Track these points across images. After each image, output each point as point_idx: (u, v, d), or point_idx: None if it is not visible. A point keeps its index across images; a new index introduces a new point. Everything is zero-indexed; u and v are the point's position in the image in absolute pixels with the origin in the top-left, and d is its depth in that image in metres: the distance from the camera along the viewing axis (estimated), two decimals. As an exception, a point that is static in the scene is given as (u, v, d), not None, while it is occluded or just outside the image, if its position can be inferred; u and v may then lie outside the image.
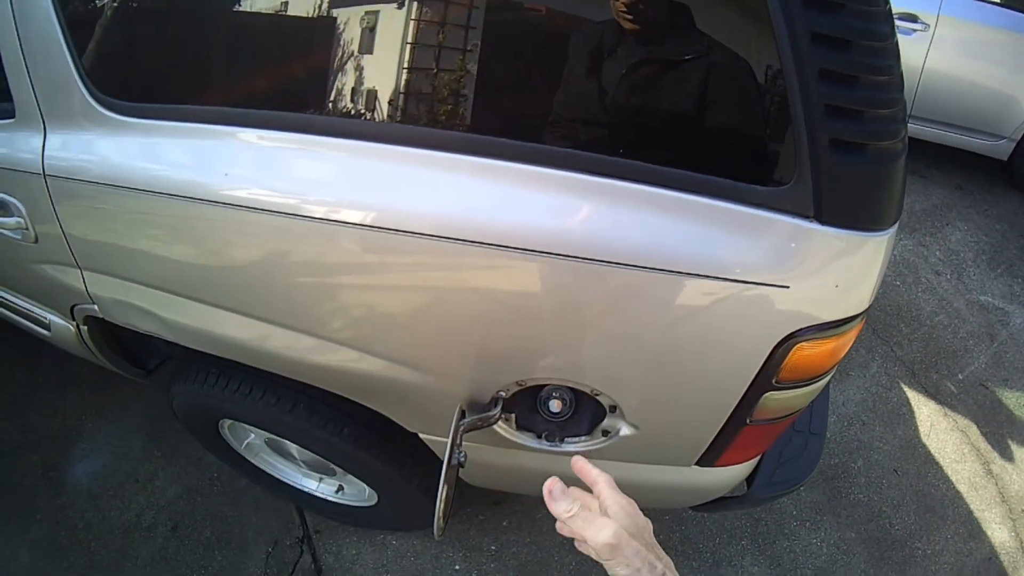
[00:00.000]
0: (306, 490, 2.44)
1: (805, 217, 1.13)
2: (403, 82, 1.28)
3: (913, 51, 4.23)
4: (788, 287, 1.16)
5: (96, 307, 1.86)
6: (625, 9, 1.12)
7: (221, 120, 1.40)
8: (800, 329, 1.21)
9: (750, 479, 1.79)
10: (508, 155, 1.21)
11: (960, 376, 3.37)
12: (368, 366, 1.50)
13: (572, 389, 1.44)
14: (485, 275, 1.27)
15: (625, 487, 1.66)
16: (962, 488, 2.87)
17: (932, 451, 3.00)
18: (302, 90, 1.42)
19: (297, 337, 1.53)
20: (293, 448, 2.23)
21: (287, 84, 1.43)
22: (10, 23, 1.53)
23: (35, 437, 2.90)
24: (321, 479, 2.42)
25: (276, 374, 1.72)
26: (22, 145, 1.63)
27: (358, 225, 1.28)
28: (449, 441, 1.36)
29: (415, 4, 1.24)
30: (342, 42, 1.31)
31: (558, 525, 1.01)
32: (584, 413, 1.50)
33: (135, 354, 2.31)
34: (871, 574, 2.54)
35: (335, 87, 1.34)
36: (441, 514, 1.39)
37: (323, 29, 1.35)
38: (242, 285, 1.52)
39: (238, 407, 1.92)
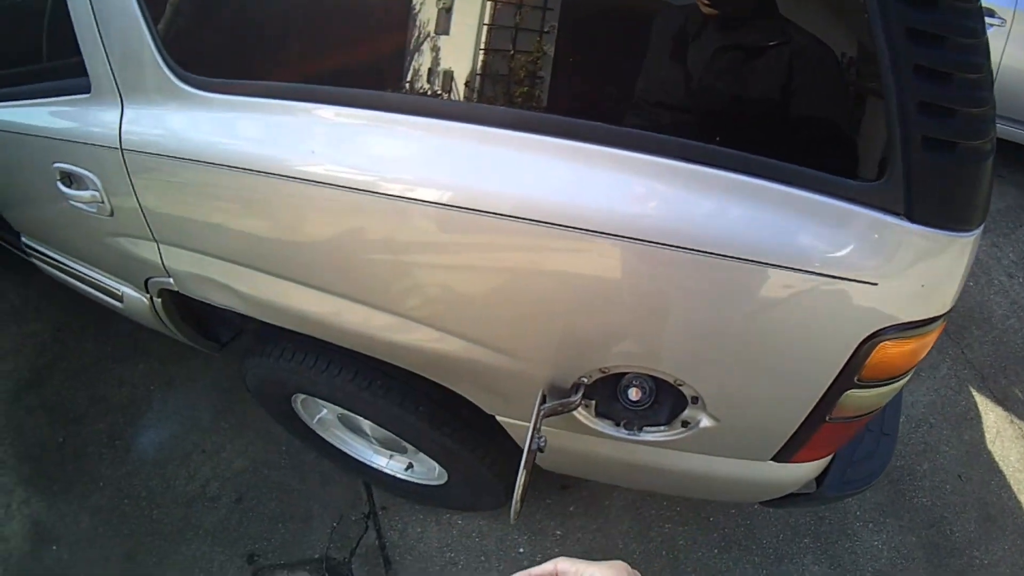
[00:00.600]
0: (375, 466, 2.44)
1: (895, 214, 1.10)
2: (481, 62, 1.27)
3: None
4: (876, 284, 1.14)
5: (171, 280, 1.87)
6: None
7: (300, 96, 1.40)
8: (885, 328, 1.19)
9: (820, 477, 1.76)
10: (592, 137, 1.19)
11: (1028, 383, 3.28)
12: (447, 346, 1.49)
13: (653, 378, 1.42)
14: (564, 258, 1.26)
15: (700, 479, 1.64)
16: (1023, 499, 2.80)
17: (996, 458, 2.93)
18: (380, 68, 1.41)
19: (372, 313, 1.53)
20: (366, 424, 2.23)
21: (365, 62, 1.43)
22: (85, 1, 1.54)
23: (103, 406, 2.94)
24: (391, 456, 2.43)
25: (353, 351, 1.71)
26: (98, 120, 1.64)
27: (435, 204, 1.28)
28: (531, 426, 1.35)
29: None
30: (420, 21, 1.31)
31: None
32: (664, 403, 1.48)
33: (208, 327, 2.34)
34: None
35: (414, 66, 1.33)
36: (519, 498, 1.38)
37: (401, 8, 1.34)
38: (319, 261, 1.52)
39: (314, 382, 1.92)
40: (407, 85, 1.34)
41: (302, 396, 2.19)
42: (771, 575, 2.46)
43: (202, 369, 3.06)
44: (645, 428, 1.51)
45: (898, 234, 1.11)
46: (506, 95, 1.28)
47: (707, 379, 1.37)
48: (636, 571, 0.84)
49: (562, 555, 0.83)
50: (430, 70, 1.31)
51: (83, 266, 2.27)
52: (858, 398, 1.33)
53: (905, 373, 1.34)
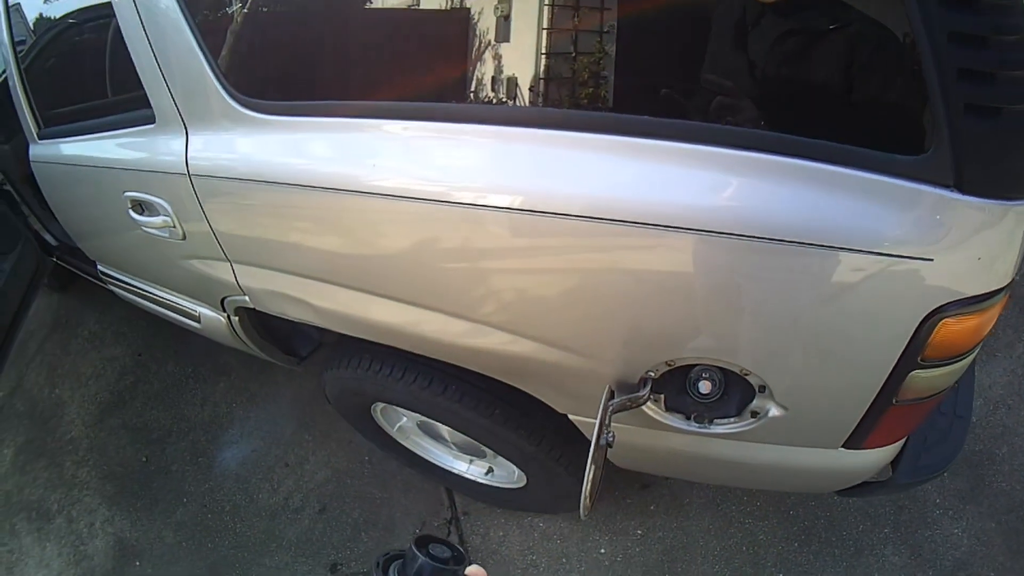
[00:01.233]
0: (456, 472, 2.46)
1: (945, 186, 1.08)
2: (542, 67, 1.28)
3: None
4: (932, 260, 1.12)
5: (247, 298, 1.92)
6: None
7: (364, 114, 1.42)
8: (944, 304, 1.17)
9: (894, 464, 1.72)
10: (652, 133, 1.19)
11: (1107, 360, 3.15)
12: (520, 348, 1.50)
13: (721, 370, 1.41)
14: (634, 255, 1.26)
15: (773, 469, 1.62)
16: (1102, 482, 2.71)
17: (1078, 438, 2.83)
18: (442, 80, 1.43)
19: (449, 321, 1.54)
20: (444, 430, 2.25)
21: (427, 75, 1.45)
22: (141, 35, 1.60)
23: (185, 425, 3.03)
24: (471, 461, 2.44)
25: (427, 357, 1.73)
26: (164, 148, 1.69)
27: (506, 209, 1.28)
28: (598, 421, 1.35)
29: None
30: (479, 31, 1.31)
31: None
32: (733, 394, 1.46)
33: (287, 343, 2.38)
34: (1008, 567, 2.41)
35: (475, 76, 1.35)
36: (588, 493, 1.38)
37: (458, 20, 1.36)
38: (394, 272, 1.53)
39: (391, 390, 1.95)
40: (471, 94, 1.36)
41: (381, 405, 2.21)
42: (851, 567, 2.42)
43: (283, 384, 3.12)
44: (715, 420, 1.50)
45: (949, 206, 1.09)
46: (570, 97, 1.29)
47: (773, 367, 1.35)
48: None
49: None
50: (493, 78, 1.32)
51: (159, 290, 2.33)
52: (924, 379, 1.30)
53: (971, 351, 1.31)
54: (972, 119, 1.01)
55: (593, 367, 1.46)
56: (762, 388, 1.39)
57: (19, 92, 2.20)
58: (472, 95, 1.35)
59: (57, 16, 2.08)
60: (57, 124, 2.14)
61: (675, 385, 1.47)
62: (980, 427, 2.76)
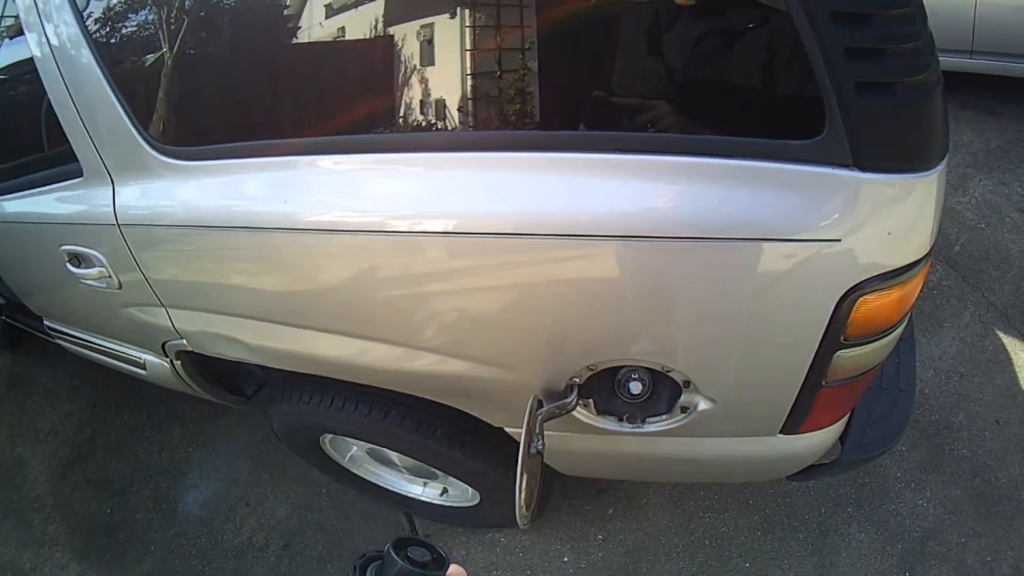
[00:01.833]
0: (412, 495, 2.48)
1: (844, 166, 1.10)
2: (467, 88, 1.29)
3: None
4: (839, 240, 1.14)
5: (185, 341, 1.93)
6: None
7: (291, 151, 1.44)
8: (861, 282, 1.19)
9: (842, 443, 1.74)
10: (568, 146, 1.23)
11: (1056, 316, 3.23)
12: (451, 368, 1.52)
13: (648, 369, 1.44)
14: (560, 266, 1.28)
15: (715, 462, 1.65)
16: (1067, 431, 2.76)
17: (1033, 398, 2.89)
18: (369, 110, 1.44)
19: (390, 349, 1.56)
20: (394, 456, 2.28)
21: (353, 107, 1.47)
22: (63, 89, 1.62)
23: (145, 473, 3.03)
24: (425, 483, 2.47)
25: (366, 385, 1.75)
26: (93, 200, 1.72)
27: (441, 233, 1.32)
28: (524, 430, 1.37)
29: (467, 11, 1.26)
30: (402, 59, 1.33)
31: None
32: (662, 392, 1.50)
33: (232, 383, 2.40)
34: (978, 531, 2.46)
35: (402, 103, 1.36)
36: (523, 503, 1.39)
37: (381, 49, 1.37)
38: (333, 306, 1.56)
39: (334, 421, 1.98)
40: (399, 123, 1.37)
41: (329, 436, 2.24)
42: (818, 549, 2.45)
43: (236, 424, 3.13)
44: (647, 419, 1.53)
45: (850, 186, 1.10)
46: (497, 116, 1.30)
47: (692, 362, 1.38)
48: None
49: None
50: (420, 103, 1.34)
51: (104, 339, 2.33)
52: (851, 357, 1.32)
53: (897, 324, 1.33)
54: (866, 96, 1.03)
55: (519, 378, 1.49)
56: (687, 383, 1.42)
57: (-48, 151, 2.20)
58: (401, 122, 1.37)
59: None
60: (-9, 182, 2.15)
61: (604, 389, 1.50)
62: (934, 398, 2.83)
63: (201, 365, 2.16)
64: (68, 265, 1.90)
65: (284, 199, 1.43)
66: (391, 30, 1.34)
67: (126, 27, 1.61)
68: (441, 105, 1.32)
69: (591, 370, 1.43)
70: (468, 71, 1.28)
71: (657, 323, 1.33)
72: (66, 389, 3.40)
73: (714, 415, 1.47)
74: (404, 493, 2.49)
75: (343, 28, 1.38)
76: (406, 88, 1.34)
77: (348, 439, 2.23)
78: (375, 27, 1.35)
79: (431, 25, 1.29)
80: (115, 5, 1.60)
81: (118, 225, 1.66)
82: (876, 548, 2.44)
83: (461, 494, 2.38)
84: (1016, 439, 2.70)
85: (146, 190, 1.62)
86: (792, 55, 1.07)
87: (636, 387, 1.46)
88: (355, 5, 1.36)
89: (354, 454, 2.42)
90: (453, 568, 0.83)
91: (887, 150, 1.10)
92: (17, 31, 1.85)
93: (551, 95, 1.27)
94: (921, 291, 1.32)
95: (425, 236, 1.33)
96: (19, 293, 2.52)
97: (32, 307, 2.55)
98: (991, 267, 3.39)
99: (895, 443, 1.79)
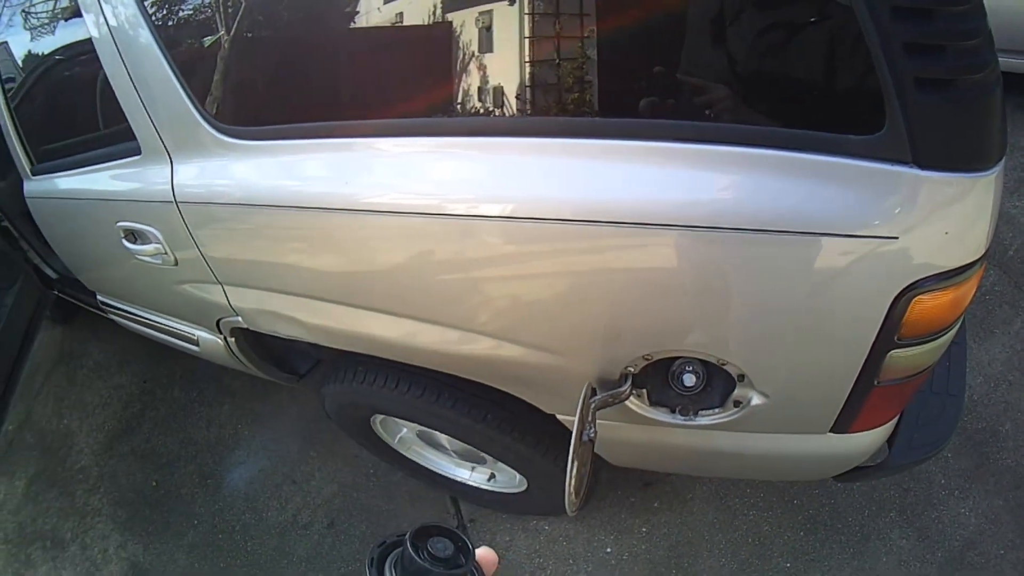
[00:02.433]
0: (459, 479, 2.49)
1: (903, 163, 1.07)
2: (526, 75, 1.29)
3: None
4: (896, 237, 1.12)
5: (240, 318, 1.95)
6: None
7: (350, 133, 1.44)
8: (916, 281, 1.17)
9: (890, 445, 1.72)
10: (628, 134, 1.21)
11: (1108, 330, 3.14)
12: (506, 352, 1.52)
13: (702, 362, 1.43)
14: (618, 254, 1.27)
15: (764, 458, 1.63)
16: (1110, 451, 2.70)
17: (1081, 409, 2.82)
18: (428, 95, 1.44)
19: (444, 331, 1.56)
20: (443, 439, 2.28)
21: (412, 91, 1.47)
22: (122, 70, 1.64)
23: (193, 448, 3.06)
24: (473, 468, 2.47)
25: (420, 366, 1.76)
26: (151, 178, 1.73)
27: (498, 218, 1.31)
28: (577, 418, 1.37)
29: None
30: (461, 45, 1.32)
31: None
32: (716, 385, 1.48)
33: (285, 360, 2.41)
34: (1017, 543, 2.41)
35: (460, 88, 1.36)
36: (573, 490, 1.40)
37: (441, 34, 1.36)
38: (387, 286, 1.56)
39: (386, 401, 1.99)
40: (458, 108, 1.37)
41: (380, 417, 2.25)
42: (858, 552, 2.43)
43: (287, 402, 3.15)
44: (700, 412, 1.52)
45: (909, 183, 1.08)
46: (555, 104, 1.29)
47: (747, 356, 1.37)
48: None
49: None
50: (478, 89, 1.33)
51: (158, 316, 2.36)
52: (904, 358, 1.30)
53: (950, 326, 1.31)
54: (925, 93, 1.01)
55: (574, 366, 1.48)
56: (741, 377, 1.40)
57: (10, 130, 2.23)
58: (459, 108, 1.37)
59: (45, 53, 2.11)
60: (49, 160, 2.17)
61: (658, 379, 1.49)
62: (982, 405, 2.77)
63: (255, 342, 2.18)
64: (124, 241, 1.91)
65: (345, 180, 1.43)
66: (449, 16, 1.33)
67: (185, 6, 1.61)
68: (499, 91, 1.31)
69: (646, 360, 1.42)
70: (528, 58, 1.27)
71: (713, 315, 1.32)
72: (116, 363, 3.44)
73: (766, 410, 1.45)
74: (452, 477, 2.50)
75: (401, 13, 1.38)
76: (465, 74, 1.34)
77: (399, 420, 2.24)
78: (434, 13, 1.35)
79: (490, 12, 1.28)
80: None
81: (176, 202, 1.67)
82: (916, 555, 2.41)
83: (509, 480, 2.37)
84: (1061, 452, 2.64)
85: (204, 168, 1.63)
86: (853, 49, 1.05)
87: (690, 379, 1.45)
88: None
89: (404, 435, 2.43)
90: (481, 551, 0.79)
91: (945, 148, 1.07)
92: (71, 13, 1.87)
93: (610, 83, 1.26)
94: (975, 294, 1.29)
95: (482, 220, 1.32)
96: (73, 268, 2.54)
97: (86, 282, 2.57)
98: (1043, 272, 3.30)
99: (942, 448, 1.77)
